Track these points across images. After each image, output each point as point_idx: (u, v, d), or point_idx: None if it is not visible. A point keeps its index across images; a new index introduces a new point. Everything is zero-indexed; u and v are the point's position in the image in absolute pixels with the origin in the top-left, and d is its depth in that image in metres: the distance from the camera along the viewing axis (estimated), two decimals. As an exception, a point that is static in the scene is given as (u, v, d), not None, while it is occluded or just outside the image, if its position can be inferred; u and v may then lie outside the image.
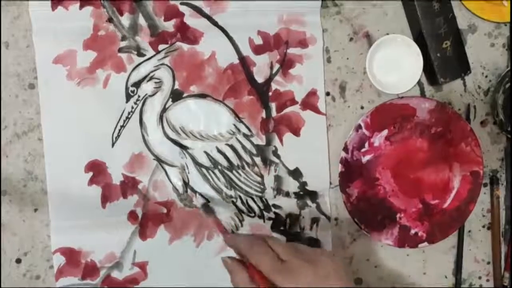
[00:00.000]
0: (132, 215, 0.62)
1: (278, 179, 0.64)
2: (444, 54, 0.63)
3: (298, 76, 0.63)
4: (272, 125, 0.63)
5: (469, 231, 0.68)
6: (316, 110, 0.64)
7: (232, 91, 0.63)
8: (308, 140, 0.64)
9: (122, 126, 0.61)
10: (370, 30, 0.64)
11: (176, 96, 0.62)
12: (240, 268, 0.52)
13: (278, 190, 0.64)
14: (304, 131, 0.64)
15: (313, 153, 0.64)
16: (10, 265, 0.62)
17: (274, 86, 0.63)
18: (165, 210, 0.63)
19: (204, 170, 0.63)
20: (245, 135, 0.63)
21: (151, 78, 0.61)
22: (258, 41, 0.62)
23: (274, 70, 0.63)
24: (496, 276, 0.68)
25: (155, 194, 0.62)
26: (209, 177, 0.63)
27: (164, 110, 0.62)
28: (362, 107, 0.65)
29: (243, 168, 0.63)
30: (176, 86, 0.62)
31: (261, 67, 0.63)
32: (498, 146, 0.68)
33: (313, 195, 0.65)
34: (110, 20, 0.60)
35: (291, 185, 0.64)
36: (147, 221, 0.62)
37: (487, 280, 0.69)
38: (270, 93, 0.63)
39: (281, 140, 0.64)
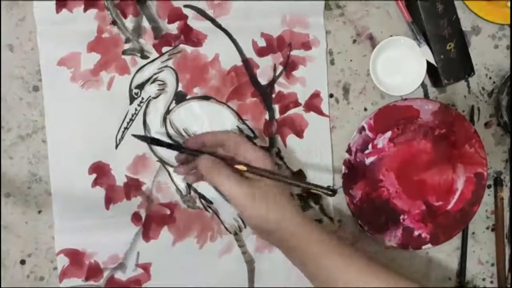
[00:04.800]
0: (135, 217, 0.62)
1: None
2: (447, 55, 0.63)
3: (301, 78, 0.63)
4: (275, 127, 0.63)
5: (473, 233, 0.68)
6: (320, 112, 0.64)
7: (236, 93, 0.63)
8: (312, 142, 0.64)
9: (126, 128, 0.61)
10: (373, 32, 0.64)
11: (179, 98, 0.62)
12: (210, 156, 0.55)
13: (282, 192, 0.64)
14: (307, 133, 0.64)
15: (316, 155, 0.64)
16: (14, 266, 0.62)
17: (277, 88, 0.63)
18: (168, 212, 0.63)
19: (207, 172, 0.63)
20: (248, 137, 0.63)
21: (154, 80, 0.61)
22: (262, 43, 0.62)
23: (278, 72, 0.63)
24: (500, 278, 0.68)
25: (158, 195, 0.63)
26: (213, 178, 0.63)
27: (168, 112, 0.62)
28: (365, 109, 0.65)
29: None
30: (180, 88, 0.62)
31: (265, 69, 0.63)
32: (502, 148, 0.68)
33: (317, 197, 0.65)
34: (114, 22, 0.60)
35: (295, 187, 0.64)
36: (150, 222, 0.63)
37: (491, 282, 0.69)
38: (274, 95, 0.63)
39: (284, 142, 0.64)
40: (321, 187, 0.55)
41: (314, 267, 0.54)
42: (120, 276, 0.63)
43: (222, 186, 0.54)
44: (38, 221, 0.62)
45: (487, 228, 0.68)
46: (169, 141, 0.61)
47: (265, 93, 0.63)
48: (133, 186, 0.62)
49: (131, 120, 0.61)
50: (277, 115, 0.63)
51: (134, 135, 0.59)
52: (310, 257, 0.53)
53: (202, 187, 0.63)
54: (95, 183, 0.61)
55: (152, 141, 0.59)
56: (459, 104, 0.66)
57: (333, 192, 0.55)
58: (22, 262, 0.62)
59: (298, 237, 0.54)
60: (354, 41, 0.64)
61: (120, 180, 0.62)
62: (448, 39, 0.63)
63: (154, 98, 0.62)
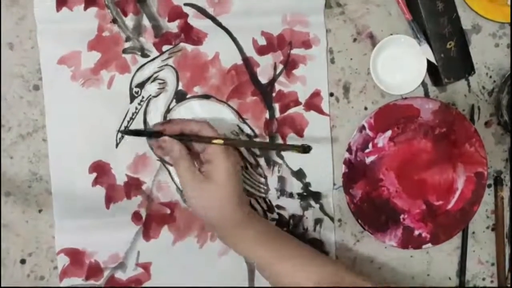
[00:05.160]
0: (136, 216, 0.62)
1: (281, 180, 0.64)
2: (448, 54, 0.63)
3: (301, 76, 0.63)
4: (275, 126, 0.63)
5: (473, 232, 0.68)
6: (320, 110, 0.64)
7: (236, 92, 0.63)
8: (312, 141, 0.64)
9: (126, 127, 0.61)
10: (373, 30, 0.64)
11: (180, 96, 0.62)
12: (177, 142, 0.56)
13: (282, 191, 0.64)
14: (307, 132, 0.64)
15: (316, 154, 0.64)
16: (14, 265, 0.62)
17: (277, 86, 0.63)
18: (168, 211, 0.63)
19: (207, 171, 0.63)
20: (248, 136, 0.63)
21: (155, 79, 0.61)
22: (262, 41, 0.62)
23: (278, 70, 0.63)
24: (500, 278, 0.68)
25: (158, 194, 0.62)
26: (213, 177, 0.63)
27: (168, 110, 0.62)
28: (365, 108, 0.65)
29: (246, 169, 0.63)
30: (180, 87, 0.62)
31: (265, 67, 0.63)
32: (503, 147, 0.68)
33: (317, 196, 0.65)
34: (114, 21, 0.60)
35: (295, 186, 0.64)
36: (150, 221, 0.62)
37: (491, 282, 0.69)
38: (274, 94, 0.63)
39: (284, 141, 0.64)
40: (294, 146, 0.54)
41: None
42: (120, 275, 0.62)
43: (179, 175, 0.57)
44: (38, 220, 0.62)
45: (487, 227, 0.68)
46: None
47: (265, 92, 0.63)
48: (133, 185, 0.62)
49: (132, 119, 0.61)
50: (277, 114, 0.63)
51: (121, 131, 0.61)
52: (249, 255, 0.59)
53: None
54: (96, 182, 0.61)
55: (135, 133, 0.60)
56: (459, 103, 0.66)
57: (306, 148, 0.54)
58: (22, 261, 0.62)
59: (233, 239, 0.58)
60: (355, 39, 0.64)
61: (120, 179, 0.62)
62: (449, 38, 0.63)
63: (155, 96, 0.61)
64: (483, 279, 0.69)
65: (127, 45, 0.61)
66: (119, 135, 0.61)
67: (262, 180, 0.64)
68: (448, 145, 0.64)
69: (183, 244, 0.63)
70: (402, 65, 0.64)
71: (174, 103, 0.62)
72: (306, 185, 0.64)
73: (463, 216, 0.65)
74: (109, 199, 0.62)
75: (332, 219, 0.65)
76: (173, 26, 0.61)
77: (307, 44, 0.63)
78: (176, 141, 0.56)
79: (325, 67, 0.64)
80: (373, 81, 0.63)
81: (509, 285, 0.67)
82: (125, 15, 0.60)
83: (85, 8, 0.60)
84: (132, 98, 0.61)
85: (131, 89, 0.61)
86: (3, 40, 0.60)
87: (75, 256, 0.61)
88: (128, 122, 0.61)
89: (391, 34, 0.64)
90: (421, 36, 0.62)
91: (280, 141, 0.64)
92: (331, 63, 0.64)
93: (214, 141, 0.55)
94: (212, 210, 0.56)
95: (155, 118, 0.61)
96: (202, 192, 0.55)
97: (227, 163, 0.55)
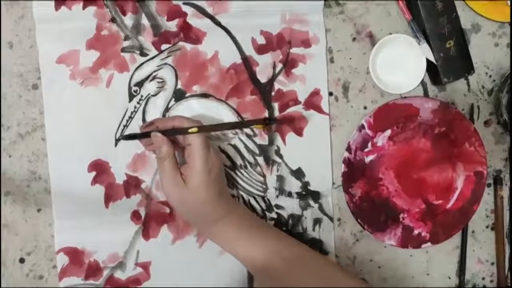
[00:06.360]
0: (135, 215, 0.62)
1: (280, 179, 0.64)
2: (447, 53, 0.63)
3: (301, 76, 0.63)
4: (274, 124, 0.63)
5: (473, 232, 0.68)
6: (319, 110, 0.64)
7: (235, 91, 0.63)
8: (311, 140, 0.64)
9: (125, 126, 0.61)
10: (373, 29, 0.64)
11: (178, 95, 0.62)
12: (167, 142, 0.56)
13: (281, 190, 0.64)
14: (307, 131, 0.64)
15: (315, 153, 0.64)
16: (13, 265, 0.62)
17: (277, 85, 0.63)
18: (168, 210, 0.63)
19: (207, 170, 0.63)
20: (247, 135, 0.63)
21: (154, 78, 0.61)
22: (261, 41, 0.62)
23: (277, 70, 0.63)
24: (500, 277, 0.68)
25: (158, 193, 0.62)
26: (212, 177, 0.63)
27: (167, 109, 0.62)
28: (365, 107, 0.65)
29: (245, 168, 0.63)
30: (179, 86, 0.62)
31: (264, 67, 0.63)
32: (502, 146, 0.68)
33: (316, 195, 0.64)
34: (113, 20, 0.60)
35: (294, 185, 0.64)
36: (150, 220, 0.62)
37: (491, 281, 0.69)
38: (273, 93, 0.63)
39: (283, 140, 0.64)
40: (258, 120, 0.56)
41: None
42: (120, 275, 0.62)
43: (161, 175, 0.57)
44: (37, 220, 0.62)
45: (487, 227, 0.68)
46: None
47: (264, 91, 0.63)
48: (132, 184, 0.62)
49: (131, 117, 0.61)
50: (276, 113, 0.63)
51: (117, 138, 0.61)
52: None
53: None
54: (95, 181, 0.61)
55: (130, 137, 0.60)
56: (458, 103, 0.66)
57: (268, 121, 0.57)
58: (22, 260, 0.62)
59: (211, 234, 0.59)
60: (354, 39, 0.64)
61: (119, 178, 0.62)
62: (448, 37, 0.63)
63: (154, 95, 0.61)
64: (483, 278, 0.68)
65: (126, 44, 0.61)
66: (118, 133, 0.61)
67: (261, 179, 0.64)
68: (447, 144, 0.64)
69: (182, 243, 0.63)
70: (401, 64, 0.64)
71: (173, 102, 0.62)
72: (305, 184, 0.64)
73: (463, 215, 0.65)
74: (108, 198, 0.62)
75: (331, 219, 0.65)
76: (172, 25, 0.61)
77: (306, 43, 0.63)
78: (166, 141, 0.55)
79: (324, 66, 0.64)
80: (372, 80, 0.63)
81: (508, 285, 0.67)
82: (124, 14, 0.60)
83: (84, 7, 0.60)
84: (131, 97, 0.61)
85: (130, 88, 0.61)
86: (3, 39, 0.60)
87: (75, 255, 0.61)
88: (127, 121, 0.61)
89: (391, 34, 0.64)
90: (421, 35, 0.62)
91: (279, 140, 0.64)
92: (330, 62, 0.64)
93: (190, 130, 0.55)
94: (188, 212, 0.57)
95: (154, 117, 0.61)
96: (180, 196, 0.56)
97: (201, 166, 0.55)
